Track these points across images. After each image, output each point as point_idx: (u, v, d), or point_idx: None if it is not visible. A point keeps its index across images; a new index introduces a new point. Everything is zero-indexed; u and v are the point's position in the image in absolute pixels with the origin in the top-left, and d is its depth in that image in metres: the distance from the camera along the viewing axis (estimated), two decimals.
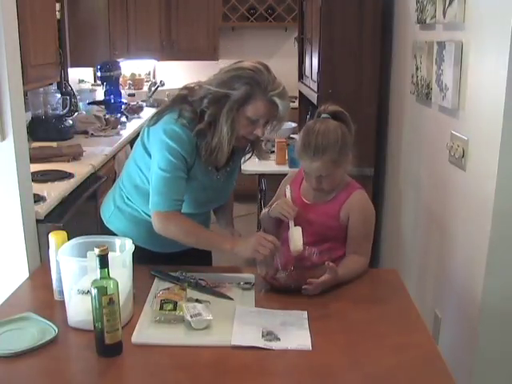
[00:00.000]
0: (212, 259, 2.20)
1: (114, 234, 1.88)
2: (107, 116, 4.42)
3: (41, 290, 1.76)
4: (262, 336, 1.48)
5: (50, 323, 1.51)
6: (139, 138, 1.90)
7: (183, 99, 1.83)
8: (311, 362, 1.40)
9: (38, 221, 2.22)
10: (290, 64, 4.71)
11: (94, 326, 1.39)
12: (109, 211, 2.01)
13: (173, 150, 1.76)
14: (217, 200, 2.03)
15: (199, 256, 2.02)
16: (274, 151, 3.43)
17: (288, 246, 1.76)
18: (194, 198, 1.88)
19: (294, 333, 1.51)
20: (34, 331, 1.48)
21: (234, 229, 2.11)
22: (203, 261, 2.09)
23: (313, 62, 3.44)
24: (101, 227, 2.03)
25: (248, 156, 2.01)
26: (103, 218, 2.02)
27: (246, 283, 1.78)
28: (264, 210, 1.98)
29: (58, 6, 3.77)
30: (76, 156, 3.25)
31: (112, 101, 4.83)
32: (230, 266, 2.01)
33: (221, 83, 1.76)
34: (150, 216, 1.87)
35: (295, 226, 1.80)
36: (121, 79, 5.21)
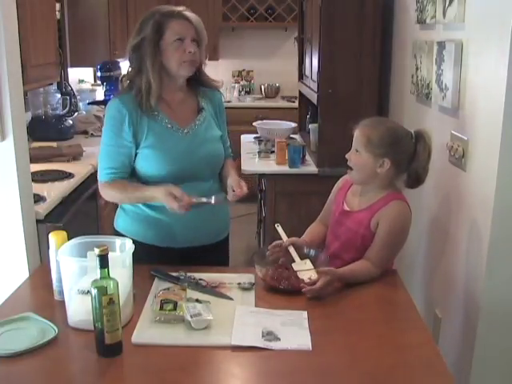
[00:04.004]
0: (229, 259, 2.15)
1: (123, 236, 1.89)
2: None
3: (41, 290, 1.76)
4: (262, 336, 1.48)
5: (50, 323, 1.51)
6: None
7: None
8: (311, 362, 1.40)
9: (38, 221, 2.23)
10: (290, 64, 4.71)
11: (94, 326, 1.39)
12: (116, 213, 2.03)
13: (107, 122, 1.88)
14: (198, 163, 1.91)
15: (214, 256, 1.99)
16: (273, 151, 3.43)
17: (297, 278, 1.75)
18: (169, 168, 1.85)
19: (294, 333, 1.51)
20: (34, 331, 1.48)
21: (238, 177, 1.95)
22: (218, 259, 2.05)
23: (313, 62, 3.44)
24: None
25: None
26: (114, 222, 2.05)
27: (246, 283, 1.78)
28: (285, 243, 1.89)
29: (58, 6, 3.77)
30: (76, 156, 3.25)
31: None
32: (230, 266, 2.00)
33: (132, 40, 1.86)
34: (149, 209, 1.88)
35: (301, 259, 1.81)
36: None
